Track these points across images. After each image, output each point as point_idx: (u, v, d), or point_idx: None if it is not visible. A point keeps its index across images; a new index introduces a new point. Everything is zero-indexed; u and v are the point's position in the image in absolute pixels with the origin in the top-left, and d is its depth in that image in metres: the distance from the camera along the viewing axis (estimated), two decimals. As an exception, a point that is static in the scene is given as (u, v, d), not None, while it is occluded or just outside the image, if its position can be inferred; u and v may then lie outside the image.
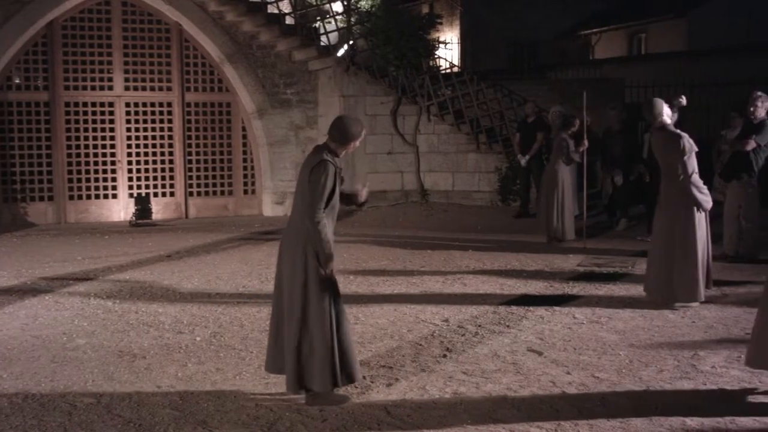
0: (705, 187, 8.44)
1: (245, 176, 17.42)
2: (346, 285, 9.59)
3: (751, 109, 10.43)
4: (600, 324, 7.89)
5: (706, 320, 7.97)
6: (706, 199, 8.36)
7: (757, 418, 5.43)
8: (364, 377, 6.28)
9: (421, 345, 7.24)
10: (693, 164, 8.32)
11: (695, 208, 8.31)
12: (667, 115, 8.50)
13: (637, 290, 9.15)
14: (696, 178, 8.32)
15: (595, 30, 31.55)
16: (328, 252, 5.58)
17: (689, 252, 8.29)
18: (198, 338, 7.54)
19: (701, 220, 8.37)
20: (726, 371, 6.42)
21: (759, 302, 6.03)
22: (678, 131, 8.39)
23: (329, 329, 5.64)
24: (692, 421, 5.39)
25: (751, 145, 10.42)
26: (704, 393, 5.96)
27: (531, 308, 8.51)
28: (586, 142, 12.39)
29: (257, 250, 12.45)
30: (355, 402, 5.78)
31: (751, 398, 5.83)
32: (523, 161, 15.09)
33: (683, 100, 10.11)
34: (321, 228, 5.53)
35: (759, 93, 10.47)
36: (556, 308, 8.51)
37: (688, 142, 8.27)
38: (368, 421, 5.45)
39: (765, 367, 5.95)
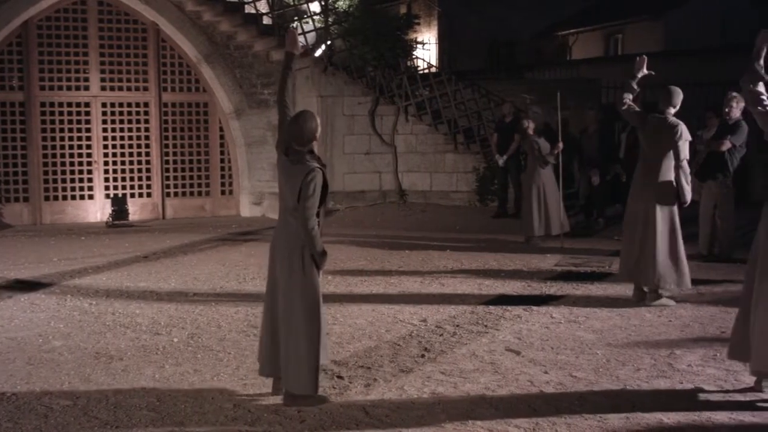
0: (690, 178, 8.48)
1: (222, 177, 17.38)
2: (324, 285, 9.54)
3: (727, 109, 10.51)
4: (577, 323, 7.92)
5: (682, 319, 8.03)
6: (688, 189, 8.39)
7: (733, 416, 5.48)
8: (341, 377, 6.29)
9: (399, 345, 7.24)
10: (686, 152, 8.36)
11: (665, 204, 8.35)
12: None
13: (615, 290, 9.20)
14: (686, 165, 8.36)
15: (572, 30, 31.67)
16: (322, 254, 5.66)
17: (649, 243, 8.36)
18: (175, 339, 7.50)
19: (668, 216, 8.38)
20: (702, 369, 6.47)
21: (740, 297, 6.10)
22: (678, 120, 8.40)
23: (321, 333, 5.71)
24: (669, 419, 5.42)
25: (727, 145, 10.50)
26: (681, 391, 6.00)
27: (509, 308, 8.53)
28: (560, 144, 12.45)
29: (235, 251, 12.41)
30: (334, 402, 5.77)
31: (727, 396, 5.87)
32: (500, 161, 15.12)
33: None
34: (315, 235, 5.58)
35: (734, 93, 10.54)
36: (534, 308, 8.53)
37: (685, 130, 8.31)
38: (346, 421, 5.44)
39: (743, 360, 6.00)
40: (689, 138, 8.39)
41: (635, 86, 8.66)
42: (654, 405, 5.66)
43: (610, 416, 5.47)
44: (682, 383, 6.17)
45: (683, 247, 8.47)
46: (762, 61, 6.00)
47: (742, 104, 10.44)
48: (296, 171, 5.59)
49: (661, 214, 8.34)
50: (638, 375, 6.36)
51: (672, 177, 8.35)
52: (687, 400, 5.79)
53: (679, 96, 8.44)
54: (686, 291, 8.61)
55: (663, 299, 8.53)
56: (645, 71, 8.57)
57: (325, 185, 5.64)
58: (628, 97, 8.65)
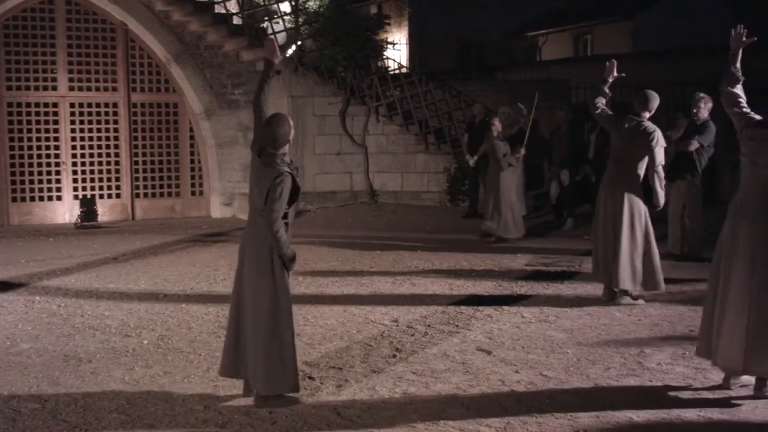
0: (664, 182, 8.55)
1: (193, 177, 17.28)
2: (295, 286, 9.53)
3: (695, 110, 10.60)
4: (548, 323, 7.96)
5: (651, 318, 8.09)
6: (662, 193, 8.47)
7: (702, 413, 5.53)
8: (312, 378, 6.28)
9: (370, 346, 7.24)
10: (661, 157, 8.43)
11: (634, 204, 8.41)
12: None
13: (585, 289, 9.26)
14: (661, 170, 8.43)
15: (542, 31, 31.82)
16: (290, 255, 5.65)
17: (617, 244, 8.41)
18: (145, 341, 7.45)
19: (637, 217, 8.45)
20: (671, 368, 6.52)
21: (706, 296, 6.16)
22: (654, 125, 8.47)
23: (293, 334, 5.71)
24: (639, 417, 5.46)
25: (695, 145, 10.59)
26: (650, 389, 6.05)
27: (480, 308, 8.55)
28: (522, 150, 12.51)
29: (205, 252, 12.35)
30: (305, 403, 5.76)
31: (696, 394, 5.92)
32: (471, 161, 15.16)
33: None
34: (280, 236, 5.57)
35: (702, 94, 10.64)
36: (505, 308, 8.56)
37: (660, 137, 8.39)
38: (318, 422, 5.43)
39: (709, 357, 6.05)
40: (665, 144, 8.50)
41: (607, 90, 8.74)
42: (624, 403, 5.70)
43: (580, 415, 5.51)
44: (651, 381, 6.23)
45: (656, 248, 8.54)
46: (739, 64, 6.09)
47: (710, 105, 10.55)
48: (266, 173, 5.59)
49: (629, 215, 8.40)
50: (608, 374, 6.40)
51: (640, 179, 8.45)
52: (656, 398, 5.84)
53: (655, 101, 8.53)
54: (659, 291, 8.65)
55: (632, 299, 8.60)
56: (615, 74, 8.64)
57: (296, 189, 5.63)
58: (601, 101, 8.72)
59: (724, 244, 5.94)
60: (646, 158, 8.41)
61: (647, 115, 8.50)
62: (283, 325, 5.63)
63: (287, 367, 5.63)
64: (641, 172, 8.47)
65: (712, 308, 5.96)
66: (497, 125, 12.96)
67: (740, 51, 6.09)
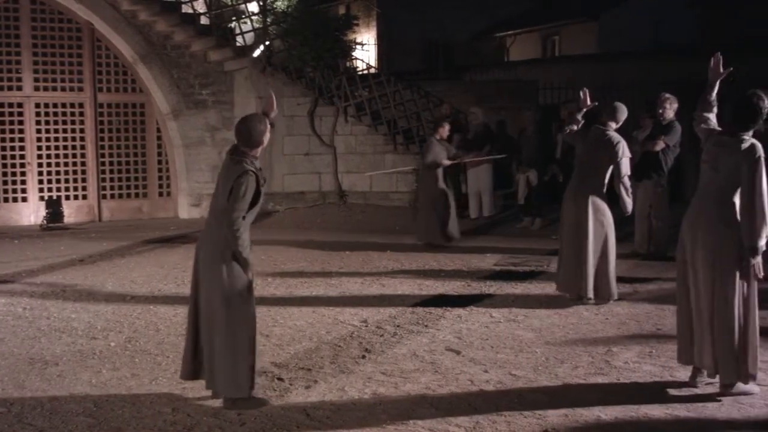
0: (630, 190, 8.62)
1: (160, 178, 17.16)
2: (264, 287, 9.53)
3: (660, 110, 10.71)
4: (517, 322, 7.99)
5: (619, 317, 8.15)
6: (629, 201, 8.56)
7: (669, 411, 5.58)
8: (282, 379, 6.27)
9: (339, 346, 7.24)
10: (627, 168, 8.51)
11: (598, 212, 8.48)
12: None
13: (553, 288, 9.30)
14: (627, 180, 8.51)
15: (509, 32, 31.95)
16: (246, 257, 5.61)
17: (582, 251, 8.48)
18: (112, 343, 7.39)
19: (600, 224, 8.51)
20: (639, 366, 6.58)
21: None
22: (619, 136, 8.55)
23: (254, 334, 5.67)
24: (606, 415, 5.51)
25: (660, 145, 10.69)
26: (618, 388, 6.09)
27: (449, 308, 8.57)
28: (448, 163, 12.46)
29: (173, 253, 12.27)
30: (274, 405, 5.74)
31: (663, 392, 5.97)
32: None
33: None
34: (239, 235, 5.53)
35: (667, 95, 10.75)
36: (474, 307, 8.59)
37: (625, 147, 8.48)
38: (287, 423, 5.42)
39: (690, 363, 6.11)
40: (629, 155, 8.58)
41: (580, 118, 8.78)
42: (592, 401, 5.74)
43: (549, 413, 5.54)
44: (619, 380, 6.28)
45: (614, 257, 8.60)
46: (715, 94, 6.13)
47: (675, 105, 10.67)
48: (233, 171, 5.56)
49: (594, 222, 8.46)
50: (576, 372, 6.44)
51: (604, 187, 8.54)
52: (624, 396, 5.88)
53: (623, 114, 8.65)
54: (613, 300, 8.68)
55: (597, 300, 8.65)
56: (589, 104, 8.65)
57: (257, 192, 5.60)
58: (572, 128, 8.77)
59: (686, 251, 6.00)
60: (611, 168, 8.50)
61: (614, 125, 8.61)
62: (237, 326, 5.57)
63: (239, 369, 5.57)
64: (605, 180, 8.57)
65: (689, 311, 6.01)
66: (443, 131, 12.68)
67: (717, 82, 6.12)
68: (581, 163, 8.72)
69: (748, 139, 5.77)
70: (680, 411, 5.59)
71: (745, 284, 5.75)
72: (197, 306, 5.74)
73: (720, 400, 5.75)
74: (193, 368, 5.78)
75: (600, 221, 8.48)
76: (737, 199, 5.78)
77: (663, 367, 6.50)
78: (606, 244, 8.53)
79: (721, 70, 6.14)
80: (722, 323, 5.74)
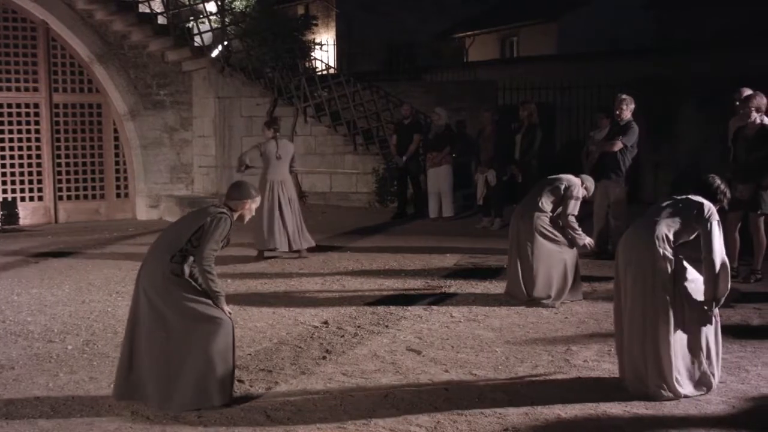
0: (579, 229, 8.64)
1: (118, 179, 17.00)
2: (224, 288, 9.45)
3: (617, 111, 10.81)
4: (477, 322, 8.02)
5: (578, 316, 8.21)
6: (580, 235, 8.61)
7: (627, 408, 5.64)
8: (242, 381, 6.24)
9: (300, 347, 7.22)
10: (572, 208, 8.54)
11: (541, 223, 8.57)
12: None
13: (512, 288, 9.34)
14: (572, 219, 8.55)
15: (468, 33, 32.06)
16: (217, 290, 5.74)
17: (530, 256, 8.57)
18: (70, 347, 7.30)
19: (545, 230, 8.58)
20: (597, 364, 6.63)
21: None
22: (572, 179, 8.67)
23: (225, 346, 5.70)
24: (566, 413, 5.55)
25: (618, 146, 10.79)
26: (578, 386, 6.14)
27: (409, 308, 8.58)
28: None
29: (131, 255, 12.14)
30: (234, 406, 5.71)
31: (622, 389, 6.02)
32: (401, 162, 15.20)
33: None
34: (211, 276, 5.67)
35: (624, 96, 10.86)
36: (434, 307, 8.61)
37: (576, 190, 8.55)
38: (247, 424, 5.39)
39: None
40: (579, 196, 8.62)
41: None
42: (552, 400, 5.78)
43: (509, 412, 5.57)
44: (578, 378, 6.32)
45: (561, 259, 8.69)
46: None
47: (632, 106, 10.78)
48: (207, 213, 5.72)
49: (540, 231, 8.54)
50: (536, 371, 6.48)
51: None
52: (584, 394, 5.93)
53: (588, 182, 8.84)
54: (568, 301, 8.75)
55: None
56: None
57: (226, 237, 5.75)
58: None
59: (618, 274, 6.06)
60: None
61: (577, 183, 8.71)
62: (205, 341, 5.61)
63: (209, 381, 5.62)
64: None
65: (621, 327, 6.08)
66: (268, 134, 11.69)
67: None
68: (531, 194, 8.85)
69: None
70: (639, 408, 5.65)
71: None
72: (138, 329, 5.72)
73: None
74: (133, 388, 5.74)
75: (545, 230, 8.54)
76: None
77: (621, 365, 6.55)
78: (555, 246, 8.60)
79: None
80: (652, 342, 5.78)
